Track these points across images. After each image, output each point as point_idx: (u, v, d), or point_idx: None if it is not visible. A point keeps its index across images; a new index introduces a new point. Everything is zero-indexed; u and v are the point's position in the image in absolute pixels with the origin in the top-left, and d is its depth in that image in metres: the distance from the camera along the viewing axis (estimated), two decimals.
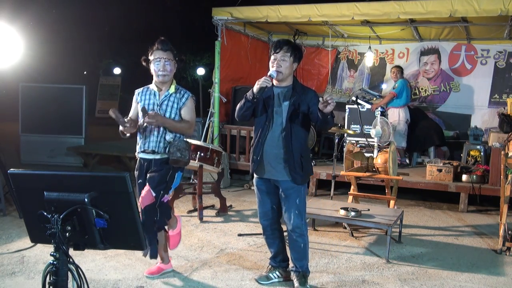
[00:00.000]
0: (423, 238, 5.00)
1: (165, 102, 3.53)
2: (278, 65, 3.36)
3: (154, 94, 3.57)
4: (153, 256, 3.52)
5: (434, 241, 4.93)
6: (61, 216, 2.00)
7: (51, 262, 2.07)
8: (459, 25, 7.44)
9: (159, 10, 17.55)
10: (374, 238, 4.91)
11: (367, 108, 7.26)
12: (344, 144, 6.61)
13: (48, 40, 13.85)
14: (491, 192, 6.13)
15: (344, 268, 3.98)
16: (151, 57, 3.52)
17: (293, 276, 3.56)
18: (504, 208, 4.67)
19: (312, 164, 3.66)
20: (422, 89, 8.78)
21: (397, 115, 7.45)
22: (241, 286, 3.60)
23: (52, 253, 2.07)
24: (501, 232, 4.58)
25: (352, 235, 4.94)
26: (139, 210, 3.47)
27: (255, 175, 3.55)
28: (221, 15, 7.31)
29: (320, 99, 3.20)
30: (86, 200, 1.99)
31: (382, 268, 4.06)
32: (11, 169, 2.14)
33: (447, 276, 3.94)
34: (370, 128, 6.41)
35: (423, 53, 8.76)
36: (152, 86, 3.60)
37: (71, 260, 2.10)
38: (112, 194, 2.03)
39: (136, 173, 3.61)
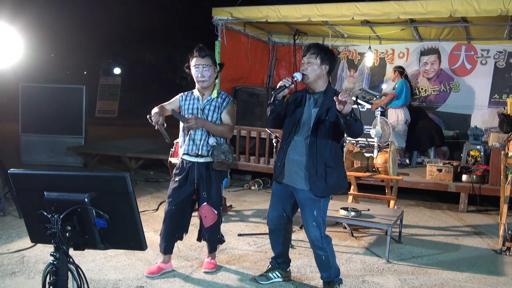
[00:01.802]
0: (423, 238, 5.01)
1: (207, 107, 3.64)
2: (303, 68, 3.24)
3: (198, 99, 3.67)
4: (213, 249, 3.85)
5: (434, 241, 4.94)
6: (61, 216, 2.00)
7: (51, 262, 2.07)
8: (459, 25, 7.44)
9: (159, 10, 17.53)
10: (374, 238, 4.91)
11: (367, 108, 7.25)
12: (344, 144, 6.61)
13: (48, 40, 13.84)
14: (491, 192, 6.12)
15: (344, 268, 3.98)
16: (191, 64, 3.62)
17: (322, 283, 3.54)
18: (504, 208, 4.67)
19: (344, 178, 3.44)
20: (422, 89, 8.78)
21: (396, 116, 7.45)
22: (241, 286, 3.60)
23: (52, 253, 2.07)
24: (501, 232, 4.58)
25: (352, 235, 4.94)
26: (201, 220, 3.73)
27: (275, 181, 3.46)
28: (221, 15, 7.31)
29: (334, 98, 2.92)
30: (86, 200, 1.99)
31: (382, 268, 4.06)
32: (11, 169, 2.15)
33: (447, 276, 3.94)
34: (370, 128, 6.41)
35: (423, 53, 8.75)
36: (196, 92, 3.72)
37: (71, 260, 2.10)
38: (112, 194, 2.03)
39: (175, 171, 3.70)
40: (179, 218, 3.72)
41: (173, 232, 3.73)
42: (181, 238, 3.85)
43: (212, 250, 3.85)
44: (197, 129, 3.58)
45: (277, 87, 3.22)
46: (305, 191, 3.26)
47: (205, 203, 3.64)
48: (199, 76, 3.59)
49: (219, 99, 3.67)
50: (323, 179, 3.21)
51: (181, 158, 3.71)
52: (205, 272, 3.78)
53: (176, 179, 3.67)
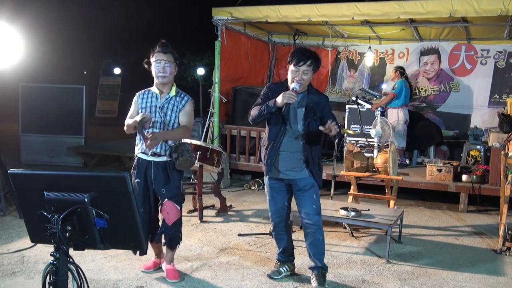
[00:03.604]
0: (423, 238, 5.01)
1: (166, 105, 3.57)
2: (300, 79, 3.38)
3: (156, 97, 3.60)
4: (173, 247, 3.69)
5: (434, 241, 4.94)
6: (61, 216, 2.00)
7: (51, 262, 2.07)
8: (459, 25, 7.44)
9: (159, 10, 17.55)
10: (374, 238, 4.91)
11: (367, 108, 7.26)
12: (344, 144, 6.62)
13: (48, 40, 13.84)
14: (491, 192, 6.13)
15: (344, 268, 3.98)
16: (152, 59, 3.55)
17: (312, 275, 3.60)
18: (504, 208, 4.67)
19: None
20: (422, 89, 8.78)
21: (396, 116, 7.45)
22: (241, 286, 3.61)
23: (52, 253, 2.07)
24: (501, 232, 4.58)
25: (352, 235, 4.94)
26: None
27: (268, 176, 3.61)
28: (221, 15, 7.31)
29: (321, 127, 3.31)
30: (86, 200, 1.99)
31: (382, 268, 4.06)
32: (11, 169, 2.14)
33: (447, 276, 3.94)
34: (370, 128, 6.41)
35: (423, 53, 8.76)
36: (154, 89, 3.63)
37: (71, 260, 2.10)
38: (112, 194, 2.03)
39: (133, 171, 3.64)
40: (150, 219, 3.63)
41: (146, 233, 3.60)
42: (156, 240, 3.71)
43: (172, 247, 3.67)
44: (158, 143, 3.46)
45: (285, 103, 3.31)
46: (307, 178, 3.51)
47: (166, 199, 3.54)
48: (160, 71, 3.50)
49: (177, 98, 3.59)
50: (318, 170, 3.56)
51: (137, 156, 3.63)
52: (172, 283, 3.61)
53: (137, 180, 3.59)
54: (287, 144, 3.47)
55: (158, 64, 3.51)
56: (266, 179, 3.65)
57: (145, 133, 3.41)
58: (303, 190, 3.53)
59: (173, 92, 3.60)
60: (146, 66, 3.60)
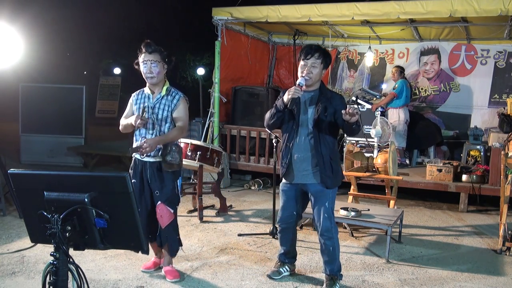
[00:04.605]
0: (423, 238, 5.01)
1: (157, 105, 3.57)
2: (308, 72, 3.35)
3: (148, 97, 3.60)
4: (173, 253, 3.71)
5: (434, 241, 4.94)
6: (61, 216, 2.00)
7: (51, 262, 2.07)
8: (459, 25, 7.44)
9: (159, 10, 17.55)
10: (374, 238, 4.91)
11: (367, 108, 7.26)
12: (344, 144, 6.61)
13: (48, 40, 13.83)
14: (491, 192, 6.13)
15: (344, 268, 3.97)
16: (139, 60, 3.55)
17: (324, 278, 3.60)
18: (504, 208, 4.67)
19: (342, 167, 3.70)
20: (422, 89, 8.78)
21: (397, 116, 7.45)
22: (241, 286, 3.61)
23: (52, 253, 2.06)
24: (501, 232, 4.58)
25: (352, 235, 4.94)
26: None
27: (283, 180, 3.59)
28: (221, 15, 7.31)
29: (343, 111, 3.19)
30: (86, 200, 1.99)
31: (382, 268, 4.06)
32: (11, 169, 2.14)
33: (447, 276, 3.94)
34: (370, 128, 6.41)
35: (423, 53, 8.76)
36: (146, 89, 3.64)
37: (71, 260, 2.10)
38: (112, 194, 2.03)
39: (130, 172, 3.65)
40: (148, 219, 3.61)
41: (146, 234, 3.57)
42: (153, 240, 3.71)
43: (172, 253, 3.69)
44: (154, 149, 3.47)
45: (290, 98, 3.28)
46: (316, 184, 3.44)
47: (159, 202, 3.55)
48: (147, 72, 3.49)
49: (169, 97, 3.57)
50: (330, 171, 3.42)
51: (133, 157, 3.64)
52: (172, 282, 3.62)
53: (133, 180, 3.56)
54: (299, 144, 3.43)
55: (145, 65, 3.50)
56: (281, 183, 3.63)
57: (137, 147, 3.45)
58: (314, 196, 3.49)
59: (163, 91, 3.58)
60: (136, 67, 3.60)
